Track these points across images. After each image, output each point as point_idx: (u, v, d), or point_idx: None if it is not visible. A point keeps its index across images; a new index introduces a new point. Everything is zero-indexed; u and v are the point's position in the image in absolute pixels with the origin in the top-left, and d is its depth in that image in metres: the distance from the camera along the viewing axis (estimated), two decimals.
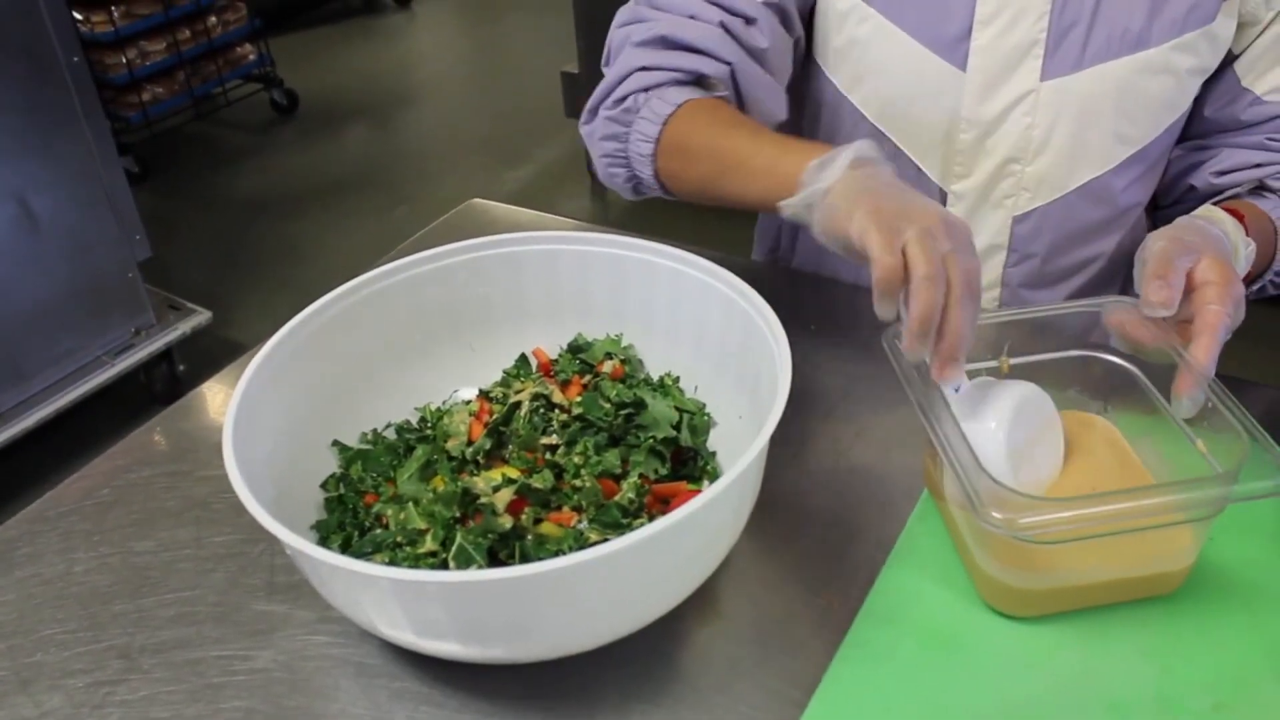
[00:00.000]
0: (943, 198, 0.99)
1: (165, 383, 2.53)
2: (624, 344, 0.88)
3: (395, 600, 0.61)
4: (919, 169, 1.00)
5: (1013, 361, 0.80)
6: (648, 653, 0.71)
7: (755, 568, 0.77)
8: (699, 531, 0.66)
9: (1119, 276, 1.09)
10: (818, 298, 1.07)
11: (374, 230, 3.18)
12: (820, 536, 0.79)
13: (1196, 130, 1.02)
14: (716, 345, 0.82)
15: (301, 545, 0.61)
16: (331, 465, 0.81)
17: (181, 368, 2.54)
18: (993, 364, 0.80)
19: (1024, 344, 0.80)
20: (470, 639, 0.63)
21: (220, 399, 0.99)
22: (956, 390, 0.75)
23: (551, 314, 0.89)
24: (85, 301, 2.34)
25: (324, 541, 0.75)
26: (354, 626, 0.74)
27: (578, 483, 0.76)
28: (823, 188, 0.76)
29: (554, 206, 3.26)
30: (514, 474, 0.76)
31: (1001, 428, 0.72)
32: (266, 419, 0.74)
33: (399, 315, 0.85)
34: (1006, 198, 0.97)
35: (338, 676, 0.71)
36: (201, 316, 2.55)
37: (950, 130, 0.96)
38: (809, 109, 1.07)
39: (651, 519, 0.71)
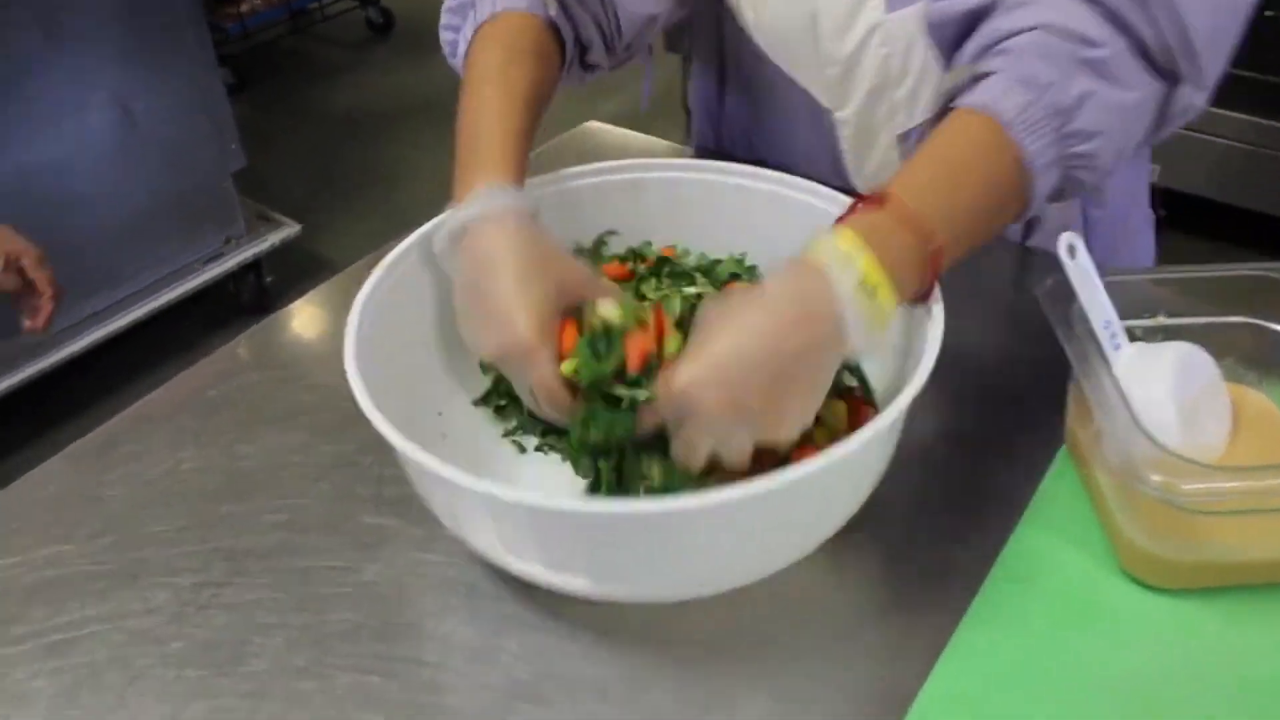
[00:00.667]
0: (831, 120, 0.98)
1: (253, 293, 2.55)
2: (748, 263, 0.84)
3: (528, 528, 0.59)
4: (810, 95, 0.98)
5: (1168, 322, 0.75)
6: (772, 597, 0.68)
7: (884, 518, 0.73)
8: (854, 470, 0.63)
9: None
10: None
11: None
12: (951, 490, 0.75)
13: None
14: None
15: (430, 462, 0.58)
16: (449, 387, 0.79)
17: (269, 279, 2.55)
18: (1148, 323, 0.75)
19: (1181, 305, 0.75)
20: (601, 575, 0.61)
21: (322, 314, 0.97)
22: (1116, 349, 0.71)
23: (673, 243, 0.85)
24: (180, 208, 2.35)
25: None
26: (464, 547, 0.72)
27: None
28: (446, 250, 0.74)
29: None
30: None
31: (1167, 391, 0.68)
32: (387, 327, 0.72)
33: None
34: (886, 121, 0.95)
35: (447, 596, 0.69)
36: (291, 229, 2.56)
37: (819, 66, 0.94)
38: (728, 39, 1.05)
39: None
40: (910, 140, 0.95)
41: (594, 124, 1.24)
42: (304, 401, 0.85)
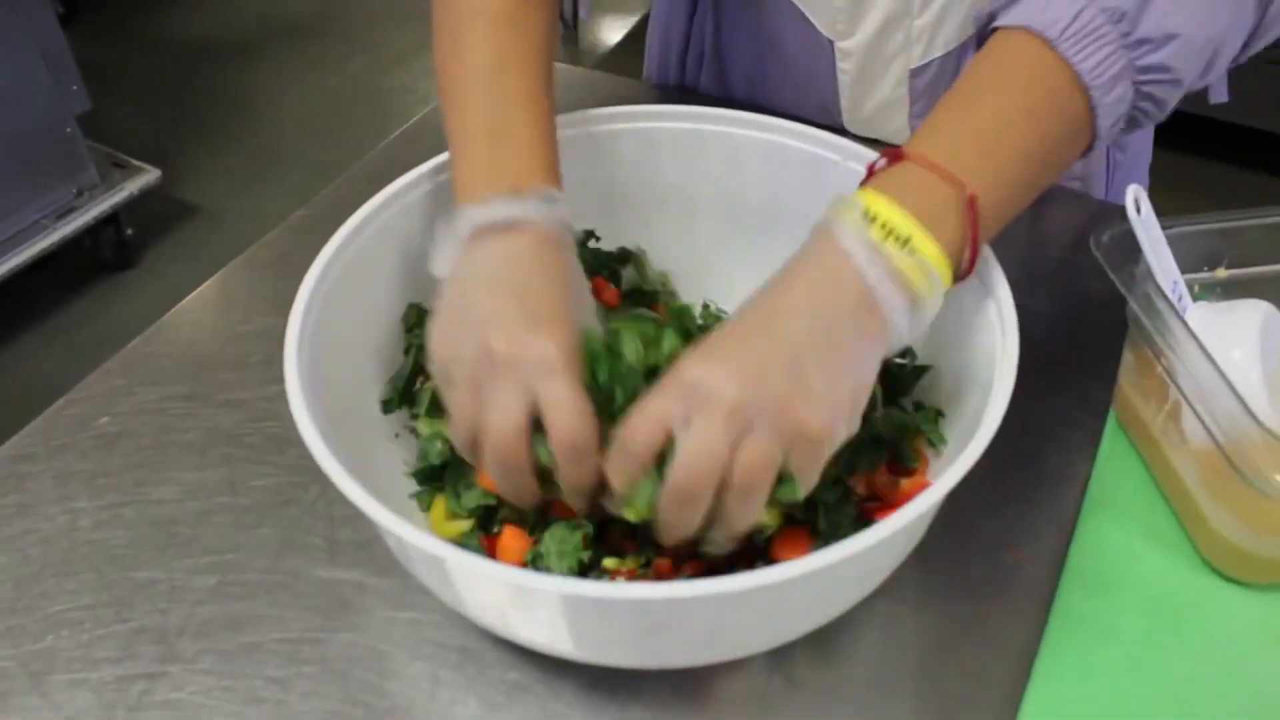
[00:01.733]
0: (831, 50, 0.85)
1: (113, 248, 2.32)
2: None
3: (564, 617, 0.47)
4: (806, 19, 0.85)
5: (1230, 273, 0.66)
6: (815, 642, 0.58)
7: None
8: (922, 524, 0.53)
9: None
10: None
11: (331, 81, 2.91)
12: (991, 474, 0.66)
13: None
14: None
15: (440, 549, 0.46)
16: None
17: (129, 231, 2.32)
18: (1207, 276, 0.66)
19: (1246, 254, 0.66)
20: (647, 652, 0.50)
21: (227, 299, 0.81)
22: (1184, 311, 0.62)
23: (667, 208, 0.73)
24: (19, 160, 2.10)
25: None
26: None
27: None
28: (443, 273, 0.57)
29: None
30: None
31: (1250, 359, 0.59)
32: (329, 343, 0.58)
33: None
34: (899, 53, 0.83)
35: (436, 666, 0.57)
36: (149, 175, 2.32)
37: None
38: None
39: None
40: (924, 78, 0.83)
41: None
42: (220, 424, 0.70)
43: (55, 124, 2.14)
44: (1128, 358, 0.66)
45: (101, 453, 0.69)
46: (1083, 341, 0.73)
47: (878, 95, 0.86)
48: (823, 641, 0.58)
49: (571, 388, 0.51)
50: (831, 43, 0.84)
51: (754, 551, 0.56)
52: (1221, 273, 0.66)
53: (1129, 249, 0.62)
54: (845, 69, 0.84)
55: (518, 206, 0.56)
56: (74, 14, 3.14)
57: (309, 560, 0.62)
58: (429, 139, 0.73)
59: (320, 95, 2.85)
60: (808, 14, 0.83)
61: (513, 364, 0.51)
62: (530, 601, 0.48)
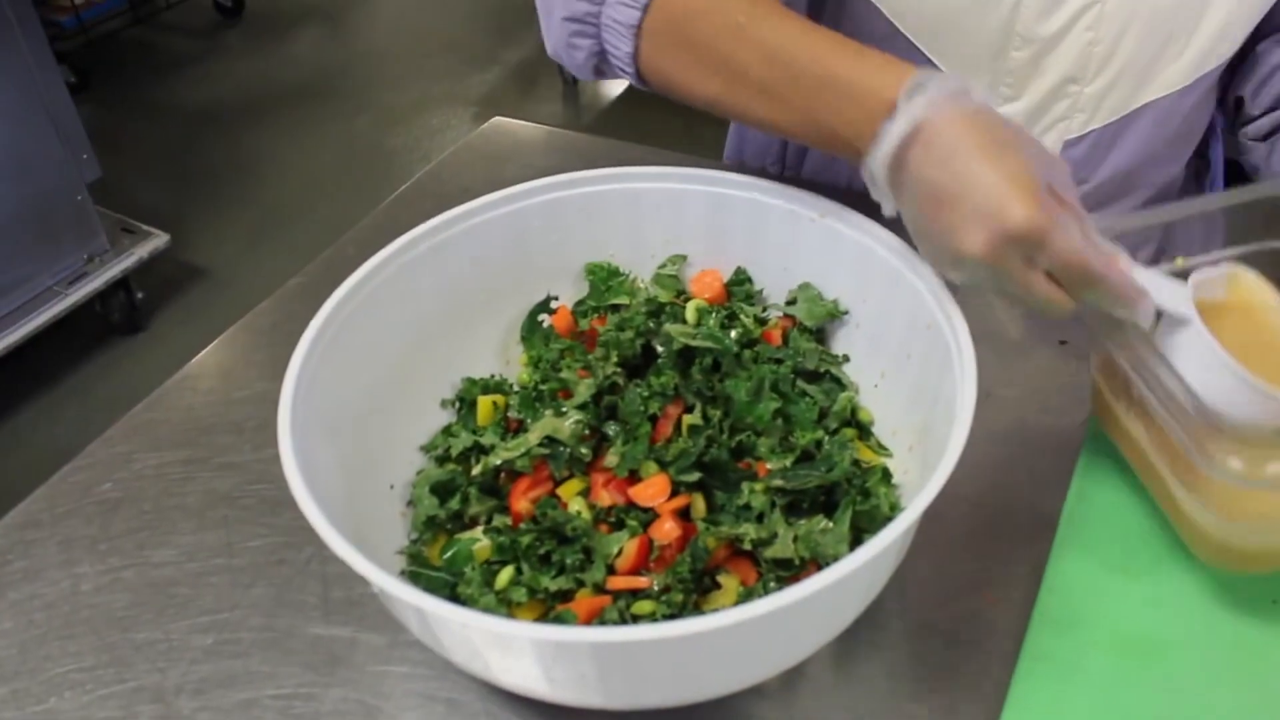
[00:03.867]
0: None
1: (124, 312, 2.36)
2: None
3: (537, 660, 0.49)
4: None
5: (1187, 263, 0.68)
6: (787, 685, 0.60)
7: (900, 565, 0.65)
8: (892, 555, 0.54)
9: (1189, 190, 0.98)
10: None
11: (335, 142, 2.97)
12: (967, 518, 0.68)
13: None
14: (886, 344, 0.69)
15: (434, 606, 0.48)
16: (399, 467, 0.68)
17: (140, 295, 2.37)
18: (1165, 269, 0.68)
19: (1197, 242, 0.68)
20: (631, 694, 0.52)
21: (224, 366, 0.84)
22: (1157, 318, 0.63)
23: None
24: (31, 227, 2.15)
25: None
26: (435, 653, 0.61)
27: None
28: (915, 117, 0.58)
29: (525, 112, 3.08)
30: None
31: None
32: (322, 406, 0.60)
33: (463, 271, 0.70)
34: (1059, 121, 0.85)
35: (425, 718, 0.59)
36: (159, 240, 2.36)
37: (1001, 48, 0.83)
38: (827, 17, 0.89)
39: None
40: (1077, 151, 0.84)
41: (502, 120, 1.13)
42: (218, 487, 0.73)
43: (67, 192, 2.19)
44: (1095, 360, 0.68)
45: (104, 518, 0.71)
46: (1052, 385, 0.75)
47: None
48: (795, 684, 0.60)
49: (1077, 235, 0.57)
50: None
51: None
52: (1180, 262, 0.68)
53: None
54: None
55: (953, 80, 0.58)
56: (88, 83, 3.22)
57: (302, 617, 0.64)
58: (422, 203, 0.76)
59: (325, 156, 2.90)
60: None
61: (1009, 251, 0.56)
62: (505, 646, 0.50)
